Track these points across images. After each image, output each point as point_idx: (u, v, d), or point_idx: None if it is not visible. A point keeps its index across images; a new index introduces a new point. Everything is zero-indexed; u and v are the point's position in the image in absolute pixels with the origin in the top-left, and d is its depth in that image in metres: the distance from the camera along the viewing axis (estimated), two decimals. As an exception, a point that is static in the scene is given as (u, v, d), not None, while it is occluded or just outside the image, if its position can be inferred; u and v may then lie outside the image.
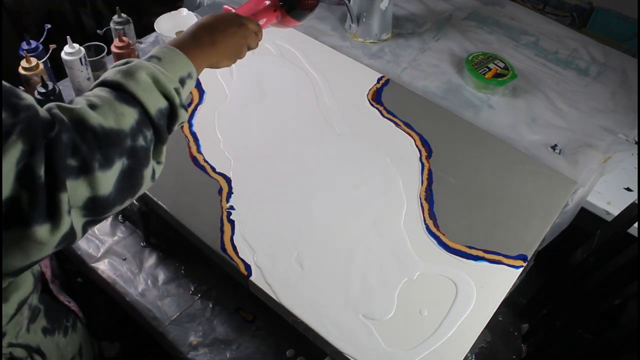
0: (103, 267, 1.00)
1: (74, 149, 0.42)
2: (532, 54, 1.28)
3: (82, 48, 1.01)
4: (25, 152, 0.39)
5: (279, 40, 1.18)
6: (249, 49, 0.67)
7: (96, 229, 1.06)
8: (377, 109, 1.03)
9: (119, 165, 0.46)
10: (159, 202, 0.83)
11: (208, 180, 0.87)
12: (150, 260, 1.02)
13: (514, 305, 1.25)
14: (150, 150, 0.50)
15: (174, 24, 1.13)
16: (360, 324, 0.70)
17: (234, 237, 0.79)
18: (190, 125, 0.95)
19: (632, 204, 0.90)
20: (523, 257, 0.80)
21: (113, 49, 1.04)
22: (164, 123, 0.51)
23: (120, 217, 1.08)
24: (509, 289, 0.77)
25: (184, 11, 1.15)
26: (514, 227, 0.84)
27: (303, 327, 0.72)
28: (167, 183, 0.86)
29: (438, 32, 1.33)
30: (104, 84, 0.50)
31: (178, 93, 0.52)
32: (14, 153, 0.38)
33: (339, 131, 0.97)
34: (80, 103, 0.47)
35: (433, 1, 1.45)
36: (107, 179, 0.45)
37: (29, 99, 0.42)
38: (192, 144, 0.92)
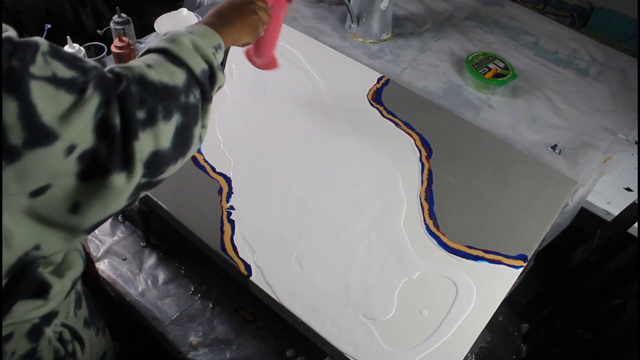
0: (103, 267, 1.00)
1: (141, 100, 0.45)
2: (532, 54, 1.28)
3: (82, 48, 1.01)
4: (101, 103, 0.42)
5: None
6: (263, 23, 0.71)
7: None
8: (377, 109, 1.03)
9: (175, 119, 0.49)
10: (159, 202, 0.83)
11: (208, 180, 0.87)
12: (150, 260, 1.02)
13: (514, 305, 1.25)
14: (199, 109, 0.53)
15: (174, 24, 1.13)
16: (360, 324, 0.70)
17: (234, 237, 0.79)
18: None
19: (632, 204, 0.90)
20: (523, 257, 0.80)
21: (113, 49, 1.04)
22: (208, 83, 0.55)
23: (120, 217, 1.08)
24: (509, 289, 0.77)
25: (184, 11, 1.15)
26: (514, 227, 0.84)
27: (303, 327, 0.72)
28: (167, 183, 0.85)
29: (438, 32, 1.33)
30: (150, 51, 0.54)
31: (215, 57, 0.57)
32: (92, 105, 0.41)
33: (339, 131, 0.97)
34: (136, 63, 0.50)
35: (433, 1, 1.45)
36: (167, 132, 0.48)
37: (92, 62, 0.45)
38: (192, 144, 0.92)
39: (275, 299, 0.72)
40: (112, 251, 1.02)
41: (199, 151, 0.91)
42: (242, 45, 0.71)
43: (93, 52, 1.11)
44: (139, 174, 0.45)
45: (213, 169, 0.88)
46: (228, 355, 0.89)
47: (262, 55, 0.93)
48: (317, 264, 0.76)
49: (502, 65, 1.16)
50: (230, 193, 0.85)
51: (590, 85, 1.22)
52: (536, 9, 1.50)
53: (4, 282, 0.42)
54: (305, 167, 0.90)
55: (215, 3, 1.34)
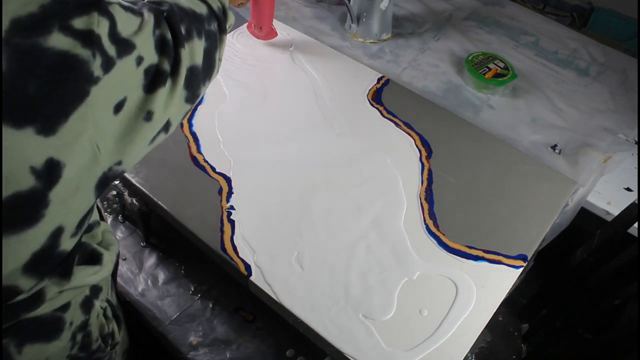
0: (103, 267, 1.00)
1: (181, 19, 0.53)
2: (532, 54, 1.28)
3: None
4: (155, 23, 0.49)
5: (278, 40, 1.18)
6: None
7: (96, 229, 1.06)
8: (377, 109, 1.03)
9: (203, 41, 0.57)
10: (159, 202, 0.83)
11: (208, 180, 0.87)
12: (150, 260, 1.02)
13: (514, 305, 1.25)
14: (217, 38, 0.61)
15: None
16: (360, 324, 0.70)
17: (234, 237, 0.79)
18: (190, 125, 0.95)
19: (632, 204, 0.90)
20: (523, 257, 0.80)
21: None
22: (223, 17, 0.64)
23: (120, 217, 1.08)
24: (509, 289, 0.77)
25: (184, 11, 1.15)
26: (514, 227, 0.84)
27: (303, 327, 0.72)
28: (167, 183, 0.86)
29: (438, 32, 1.33)
30: None
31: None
32: (150, 25, 0.48)
33: (339, 131, 0.97)
34: None
35: (433, 1, 1.45)
36: (199, 50, 0.56)
37: None
38: (192, 144, 0.92)
39: (275, 299, 0.72)
40: (112, 251, 1.02)
41: (199, 151, 0.91)
42: (238, 5, 0.86)
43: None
44: (182, 80, 0.53)
45: (213, 169, 0.88)
46: (228, 355, 0.89)
47: (262, 26, 1.10)
48: (317, 264, 0.76)
49: (502, 65, 1.16)
50: (230, 193, 0.85)
51: (590, 85, 1.22)
52: (536, 9, 1.50)
53: (95, 201, 0.48)
54: (305, 167, 0.90)
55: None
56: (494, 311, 0.73)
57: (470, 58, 1.17)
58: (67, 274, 0.51)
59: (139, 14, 0.48)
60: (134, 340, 0.84)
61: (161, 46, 0.49)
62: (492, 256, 0.80)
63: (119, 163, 0.47)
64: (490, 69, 1.14)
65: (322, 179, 0.88)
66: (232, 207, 0.83)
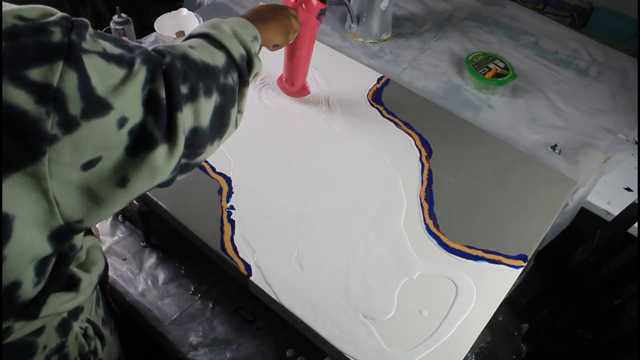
0: (103, 267, 1.00)
1: (184, 75, 0.47)
2: (532, 54, 1.28)
3: (82, 48, 1.01)
4: (148, 77, 0.43)
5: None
6: (294, 30, 0.77)
7: (96, 228, 1.06)
8: (377, 109, 1.03)
9: (214, 98, 0.51)
10: (159, 202, 0.83)
11: (208, 180, 0.87)
12: (150, 260, 1.02)
13: (514, 305, 1.25)
14: (236, 92, 0.56)
15: (174, 24, 1.13)
16: (360, 324, 0.70)
17: (234, 237, 0.79)
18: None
19: (632, 204, 0.90)
20: (523, 257, 0.80)
21: (113, 49, 1.04)
22: (245, 68, 0.58)
23: (120, 217, 1.09)
24: (509, 289, 0.77)
25: (184, 11, 1.15)
26: (514, 227, 0.84)
27: (303, 327, 0.72)
28: (167, 183, 0.86)
29: (438, 32, 1.33)
30: (192, 36, 0.57)
31: (252, 45, 0.60)
32: (140, 79, 0.43)
33: (339, 131, 0.97)
34: (178, 43, 0.53)
35: (433, 1, 1.45)
36: (207, 109, 0.50)
37: (134, 42, 0.47)
38: (192, 144, 0.92)
39: (275, 299, 0.72)
40: (112, 251, 1.02)
41: (199, 151, 0.91)
42: (273, 48, 0.76)
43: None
44: (182, 148, 0.47)
45: (213, 169, 0.88)
46: (228, 355, 0.89)
47: (294, 82, 0.99)
48: (317, 264, 0.76)
49: (502, 65, 1.16)
50: (230, 193, 0.85)
51: (590, 85, 1.22)
52: (536, 9, 1.50)
53: (49, 250, 0.43)
54: (305, 167, 0.90)
55: (215, 3, 1.34)
56: (494, 311, 0.73)
57: (470, 58, 1.17)
58: (34, 313, 0.48)
59: (128, 64, 0.43)
60: (133, 341, 0.84)
61: (151, 105, 0.44)
62: (492, 256, 0.80)
63: (80, 221, 0.43)
64: (490, 69, 1.14)
65: (322, 179, 0.88)
66: (232, 207, 0.83)
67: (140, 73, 0.43)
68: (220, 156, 0.90)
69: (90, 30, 0.42)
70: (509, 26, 1.38)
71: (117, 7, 1.09)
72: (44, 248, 0.42)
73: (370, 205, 0.85)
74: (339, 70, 1.12)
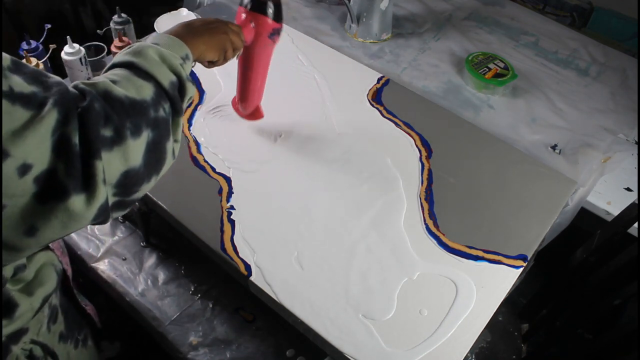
0: (103, 267, 1.00)
1: (106, 118, 0.43)
2: (532, 54, 1.28)
3: (82, 48, 1.01)
4: (59, 121, 0.40)
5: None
6: (234, 48, 0.71)
7: (96, 229, 1.06)
8: (377, 109, 1.03)
9: (145, 135, 0.47)
10: (159, 202, 0.83)
11: (208, 180, 0.87)
12: (150, 260, 1.02)
13: (514, 305, 1.25)
14: (169, 123, 0.51)
15: (174, 24, 1.12)
16: (360, 324, 0.70)
17: (234, 237, 0.79)
18: (190, 126, 0.95)
19: (632, 204, 0.90)
20: (523, 257, 0.80)
21: (113, 49, 1.04)
22: (177, 95, 0.53)
23: (120, 217, 1.09)
24: (509, 289, 0.77)
25: (184, 11, 1.15)
26: (514, 227, 0.84)
27: (303, 327, 0.72)
28: (167, 183, 0.86)
29: (438, 32, 1.33)
30: (115, 66, 0.52)
31: (183, 68, 0.55)
32: (49, 122, 0.39)
33: (339, 131, 0.97)
34: (100, 79, 0.48)
35: (433, 1, 1.45)
36: (137, 149, 0.46)
37: (56, 77, 0.43)
38: (192, 144, 0.92)
39: (275, 299, 0.72)
40: (112, 251, 1.02)
41: (199, 151, 0.91)
42: (208, 65, 0.70)
43: (93, 52, 1.11)
44: (102, 196, 0.43)
45: (213, 169, 0.88)
46: (228, 355, 0.89)
47: (245, 106, 0.91)
48: (317, 264, 0.76)
49: (502, 65, 1.16)
50: (230, 193, 0.85)
51: (590, 85, 1.22)
52: (536, 9, 1.50)
53: None
54: (305, 167, 0.90)
55: (215, 3, 1.34)
56: (494, 311, 0.73)
57: (470, 58, 1.17)
58: None
59: (37, 106, 0.39)
60: (133, 340, 0.83)
61: (62, 151, 0.40)
62: (492, 256, 0.80)
63: None
64: (490, 69, 1.14)
65: (322, 179, 0.88)
66: (232, 207, 0.83)
67: (50, 116, 0.39)
68: (220, 157, 0.90)
69: (6, 62, 0.38)
70: (509, 26, 1.38)
71: (117, 7, 1.09)
72: None
73: (370, 205, 0.85)
74: (339, 70, 1.12)
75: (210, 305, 0.96)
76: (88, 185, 0.42)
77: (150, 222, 1.00)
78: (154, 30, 1.11)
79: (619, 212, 0.94)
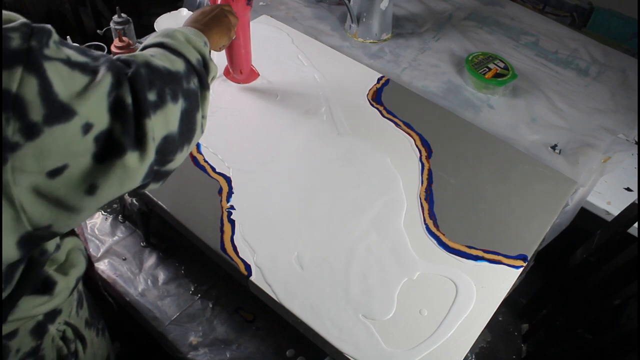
0: (103, 267, 1.00)
1: (150, 83, 0.47)
2: (532, 54, 1.28)
3: (82, 48, 1.01)
4: (113, 84, 0.43)
5: (278, 40, 1.18)
6: (233, 26, 0.78)
7: (96, 229, 1.06)
8: (377, 109, 1.03)
9: (180, 103, 0.51)
10: (159, 202, 0.83)
11: (208, 180, 0.87)
12: (150, 260, 1.02)
13: (514, 305, 1.25)
14: (199, 96, 0.56)
15: (174, 24, 1.13)
16: (360, 324, 0.70)
17: (234, 237, 0.79)
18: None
19: (632, 204, 0.90)
20: (523, 257, 0.80)
21: (113, 49, 1.04)
22: (204, 71, 0.58)
23: (120, 217, 1.09)
24: (509, 289, 0.77)
25: (184, 11, 1.15)
26: (514, 227, 0.84)
27: (303, 327, 0.72)
28: (167, 183, 0.85)
29: (438, 32, 1.33)
30: (147, 47, 0.57)
31: (206, 50, 0.61)
32: (104, 86, 0.42)
33: (339, 131, 0.97)
34: (139, 53, 0.53)
35: (433, 1, 1.45)
36: (175, 116, 0.50)
37: (99, 52, 0.47)
38: (192, 144, 0.92)
39: (275, 299, 0.72)
40: (112, 251, 1.02)
41: (199, 151, 0.91)
42: (219, 49, 0.77)
43: (93, 52, 1.10)
44: (152, 154, 0.47)
45: (213, 169, 0.88)
46: (228, 355, 0.89)
47: (241, 70, 1.00)
48: (317, 264, 0.76)
49: (502, 65, 1.16)
50: (230, 193, 0.85)
51: (590, 85, 1.22)
52: (536, 9, 1.51)
53: (17, 256, 0.43)
54: (305, 167, 0.90)
55: (215, 3, 1.34)
56: (494, 311, 0.73)
57: (470, 58, 1.17)
58: (3, 316, 0.47)
59: (91, 72, 0.43)
60: (133, 340, 0.84)
61: (117, 112, 0.43)
62: (492, 256, 0.80)
63: (49, 227, 0.43)
64: (490, 69, 1.14)
65: (323, 179, 0.88)
66: (232, 207, 0.83)
67: (105, 80, 0.43)
68: (220, 157, 0.90)
69: (55, 37, 0.41)
70: (509, 26, 1.38)
71: (117, 7, 1.09)
72: (12, 253, 0.41)
73: (370, 205, 0.85)
74: (339, 70, 1.12)
75: (210, 305, 0.96)
76: (141, 143, 0.45)
77: (150, 222, 1.00)
78: (154, 30, 1.11)
79: (619, 212, 0.94)
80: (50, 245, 0.51)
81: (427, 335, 0.70)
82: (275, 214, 0.83)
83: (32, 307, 0.51)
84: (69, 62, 0.41)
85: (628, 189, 1.01)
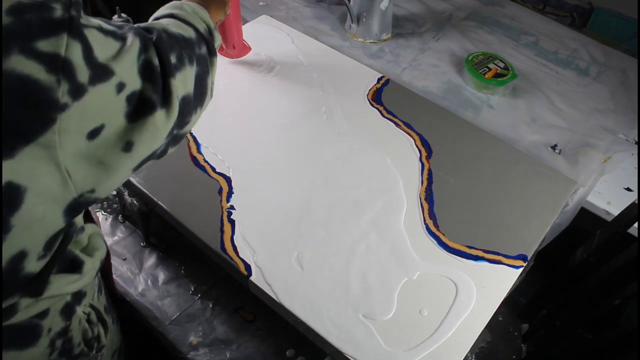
0: (103, 267, 1.00)
1: (170, 47, 0.52)
2: (532, 54, 1.28)
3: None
4: (141, 48, 0.47)
5: (278, 40, 1.18)
6: (227, 1, 0.80)
7: (96, 229, 1.06)
8: (377, 109, 1.03)
9: (195, 67, 0.56)
10: (159, 202, 0.83)
11: (208, 180, 0.87)
12: (150, 260, 1.02)
13: (514, 305, 1.25)
14: (208, 61, 0.60)
15: (174, 24, 1.13)
16: (360, 324, 0.70)
17: (234, 237, 0.79)
18: (190, 125, 0.95)
19: (632, 204, 0.90)
20: (523, 257, 0.80)
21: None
22: (211, 39, 0.63)
23: (120, 217, 1.09)
24: (509, 289, 0.77)
25: (184, 11, 1.15)
26: (514, 227, 0.84)
27: (303, 327, 0.72)
28: (167, 183, 0.86)
29: (438, 32, 1.33)
30: (157, 18, 0.61)
31: (209, 21, 0.64)
32: (134, 49, 0.46)
33: (339, 131, 0.97)
34: (155, 22, 0.57)
35: (433, 1, 1.45)
36: (191, 78, 0.54)
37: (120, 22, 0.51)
38: (192, 144, 0.92)
39: (275, 299, 0.72)
40: (112, 251, 1.02)
41: (199, 151, 0.91)
42: (216, 24, 0.79)
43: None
44: (176, 112, 0.51)
45: (213, 169, 0.88)
46: (228, 355, 0.89)
47: (234, 44, 1.06)
48: (317, 264, 0.76)
49: (502, 65, 1.16)
50: (230, 193, 0.85)
51: (590, 85, 1.22)
52: (536, 9, 1.50)
53: (62, 224, 0.45)
54: (305, 167, 0.90)
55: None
56: (494, 311, 0.73)
57: (470, 58, 1.17)
58: (39, 290, 0.49)
59: (121, 38, 0.46)
60: (134, 340, 0.84)
61: (147, 73, 0.47)
62: (492, 256, 0.80)
63: (92, 191, 0.46)
64: (490, 69, 1.14)
65: (322, 179, 0.88)
66: (232, 207, 0.83)
67: (135, 44, 0.47)
68: (220, 158, 0.90)
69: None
70: (509, 26, 1.38)
71: (117, 7, 1.08)
72: (58, 221, 0.44)
73: (370, 205, 0.85)
74: (339, 70, 1.12)
75: (210, 305, 0.96)
76: (167, 101, 0.50)
77: (150, 222, 1.00)
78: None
79: (619, 212, 0.94)
80: (77, 220, 0.54)
81: (427, 335, 0.70)
82: (275, 214, 0.83)
83: (63, 285, 0.54)
84: (102, 30, 0.44)
85: (628, 189, 1.01)
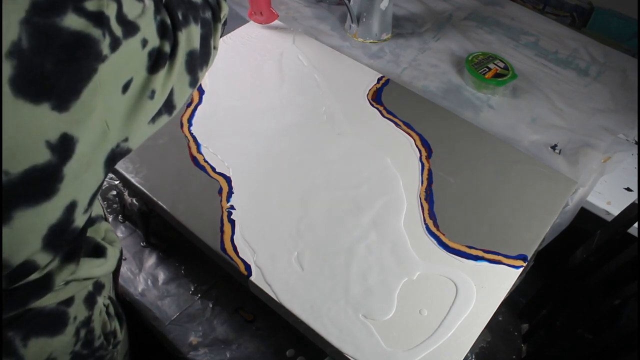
0: (103, 267, 1.00)
1: (177, 5, 0.55)
2: (532, 54, 1.28)
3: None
4: (155, 10, 0.51)
5: (278, 40, 1.18)
6: None
7: (96, 229, 1.06)
8: (377, 109, 1.03)
9: (199, 28, 0.59)
10: (159, 202, 0.83)
11: (208, 180, 0.87)
12: (150, 260, 1.02)
13: (514, 305, 1.25)
14: (212, 25, 0.63)
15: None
16: (360, 324, 0.70)
17: (234, 237, 0.79)
18: (190, 125, 0.95)
19: (632, 204, 0.90)
20: (523, 257, 0.80)
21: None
22: (217, 6, 0.65)
23: (120, 217, 1.08)
24: (509, 289, 0.77)
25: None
26: (514, 227, 0.84)
27: (303, 327, 0.72)
28: (167, 183, 0.86)
29: (438, 32, 1.33)
30: None
31: None
32: (151, 10, 0.50)
33: (339, 131, 0.97)
34: None
35: (433, 1, 1.45)
36: (196, 35, 0.58)
37: None
38: (192, 144, 0.92)
39: (275, 299, 0.72)
40: (112, 251, 1.02)
41: (199, 151, 0.91)
42: None
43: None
44: (183, 60, 0.55)
45: (213, 169, 0.88)
46: (228, 355, 0.89)
47: (260, 12, 1.17)
48: (317, 264, 0.76)
49: (502, 65, 1.16)
50: (230, 193, 0.85)
51: (590, 85, 1.22)
52: (536, 9, 1.50)
53: (102, 176, 0.49)
54: (305, 167, 0.90)
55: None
56: (494, 311, 0.73)
57: (470, 58, 1.17)
58: (75, 255, 0.52)
59: (139, 0, 0.51)
60: (134, 340, 0.84)
61: (162, 30, 0.52)
62: (492, 256, 0.80)
63: (126, 140, 0.49)
64: (490, 69, 1.14)
65: (322, 179, 0.88)
66: (232, 207, 0.83)
67: (151, 5, 0.50)
68: (220, 158, 0.90)
69: None
70: (509, 26, 1.38)
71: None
72: (99, 172, 0.48)
73: (370, 205, 0.85)
74: (339, 70, 1.12)
75: (210, 305, 0.96)
76: (174, 54, 0.53)
77: (150, 222, 1.00)
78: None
79: (619, 212, 0.94)
80: (96, 206, 0.58)
81: (427, 335, 0.70)
82: (275, 214, 0.83)
83: (90, 268, 0.57)
84: None
85: (628, 189, 1.01)
